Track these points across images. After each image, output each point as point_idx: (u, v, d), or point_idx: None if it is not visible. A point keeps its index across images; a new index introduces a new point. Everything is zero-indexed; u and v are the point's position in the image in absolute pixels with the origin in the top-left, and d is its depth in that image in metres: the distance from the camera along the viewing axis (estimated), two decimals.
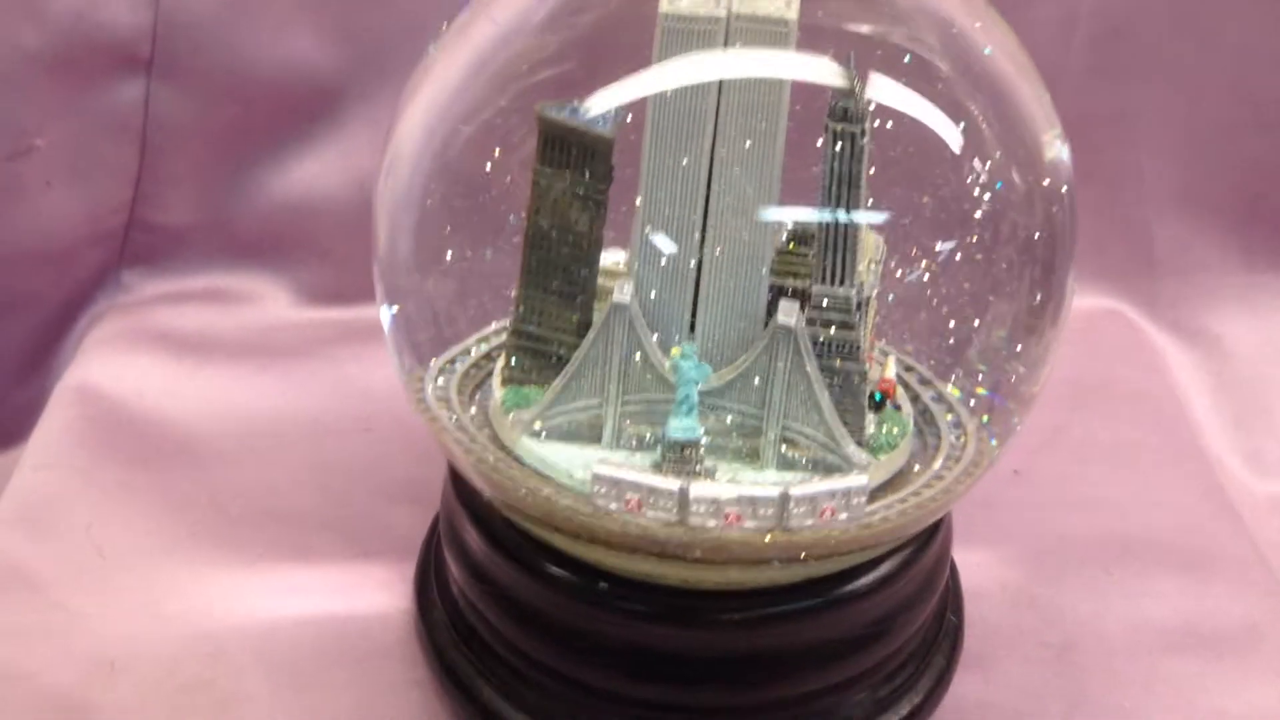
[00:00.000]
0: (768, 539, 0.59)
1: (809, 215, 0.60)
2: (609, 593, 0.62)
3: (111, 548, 0.77)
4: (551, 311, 0.63)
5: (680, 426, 0.60)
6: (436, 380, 0.69)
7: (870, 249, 0.66)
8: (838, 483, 0.59)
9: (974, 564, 0.78)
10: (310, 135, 0.97)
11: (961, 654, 0.72)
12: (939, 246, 0.63)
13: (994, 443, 0.67)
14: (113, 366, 0.92)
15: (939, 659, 0.70)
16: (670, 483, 0.59)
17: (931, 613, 0.70)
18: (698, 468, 0.60)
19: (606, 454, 0.63)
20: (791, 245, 0.64)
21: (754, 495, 0.58)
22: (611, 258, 0.66)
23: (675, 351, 0.60)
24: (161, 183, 0.97)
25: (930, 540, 0.67)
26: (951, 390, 0.70)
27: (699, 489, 0.58)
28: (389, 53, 0.93)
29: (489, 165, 0.64)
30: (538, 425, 0.63)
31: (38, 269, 0.95)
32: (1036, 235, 0.63)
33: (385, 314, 0.69)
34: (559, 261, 0.61)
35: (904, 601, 0.66)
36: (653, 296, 0.62)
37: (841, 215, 0.58)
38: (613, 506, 0.59)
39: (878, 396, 0.67)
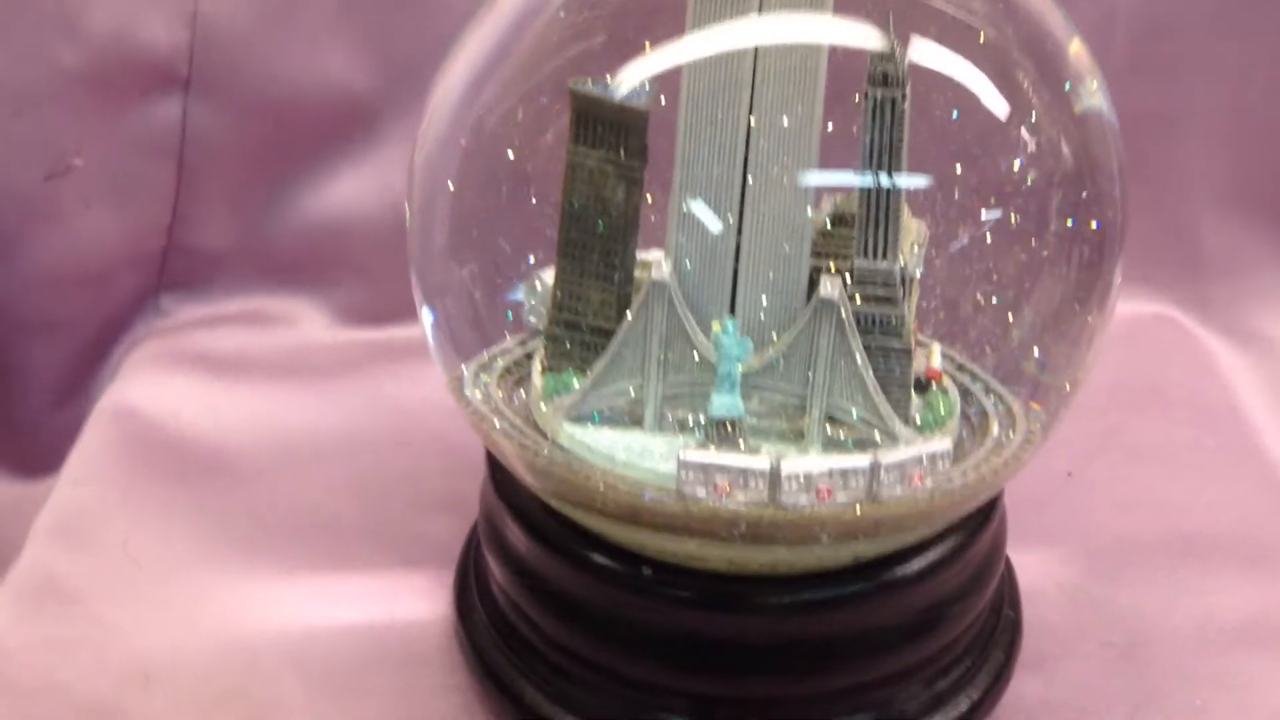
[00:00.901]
0: (859, 512, 0.57)
1: (848, 180, 0.58)
2: (653, 579, 0.60)
3: (148, 560, 0.77)
4: (589, 293, 0.62)
5: (722, 403, 0.59)
6: (479, 376, 0.68)
7: (913, 231, 0.64)
8: (924, 447, 0.58)
9: (1029, 565, 0.75)
10: (345, 154, 0.97)
11: (1020, 653, 0.70)
12: (984, 215, 0.61)
13: (1040, 422, 0.65)
14: (150, 387, 0.92)
15: (997, 654, 0.68)
16: (760, 461, 0.57)
17: (988, 605, 0.67)
18: (741, 446, 0.59)
19: (648, 438, 0.62)
20: (832, 226, 0.63)
21: (845, 467, 0.57)
22: (649, 256, 0.65)
23: (716, 327, 0.59)
24: (199, 203, 0.97)
25: (982, 527, 0.65)
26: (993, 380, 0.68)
27: (790, 464, 0.57)
28: (424, 70, 0.92)
29: (521, 147, 0.63)
30: (578, 411, 0.62)
31: (76, 292, 0.95)
32: (1085, 200, 0.62)
33: (425, 315, 0.69)
34: (595, 240, 0.60)
35: (958, 589, 0.64)
36: (691, 275, 0.60)
37: (883, 179, 0.57)
38: (700, 493, 0.57)
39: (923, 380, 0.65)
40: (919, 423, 0.62)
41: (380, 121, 0.96)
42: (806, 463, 0.57)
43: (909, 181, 0.58)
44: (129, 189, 0.94)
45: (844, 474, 0.57)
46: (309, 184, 0.98)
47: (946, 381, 0.67)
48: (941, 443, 0.59)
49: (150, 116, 0.94)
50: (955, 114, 0.59)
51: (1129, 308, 0.98)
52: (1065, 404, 0.66)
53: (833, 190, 0.61)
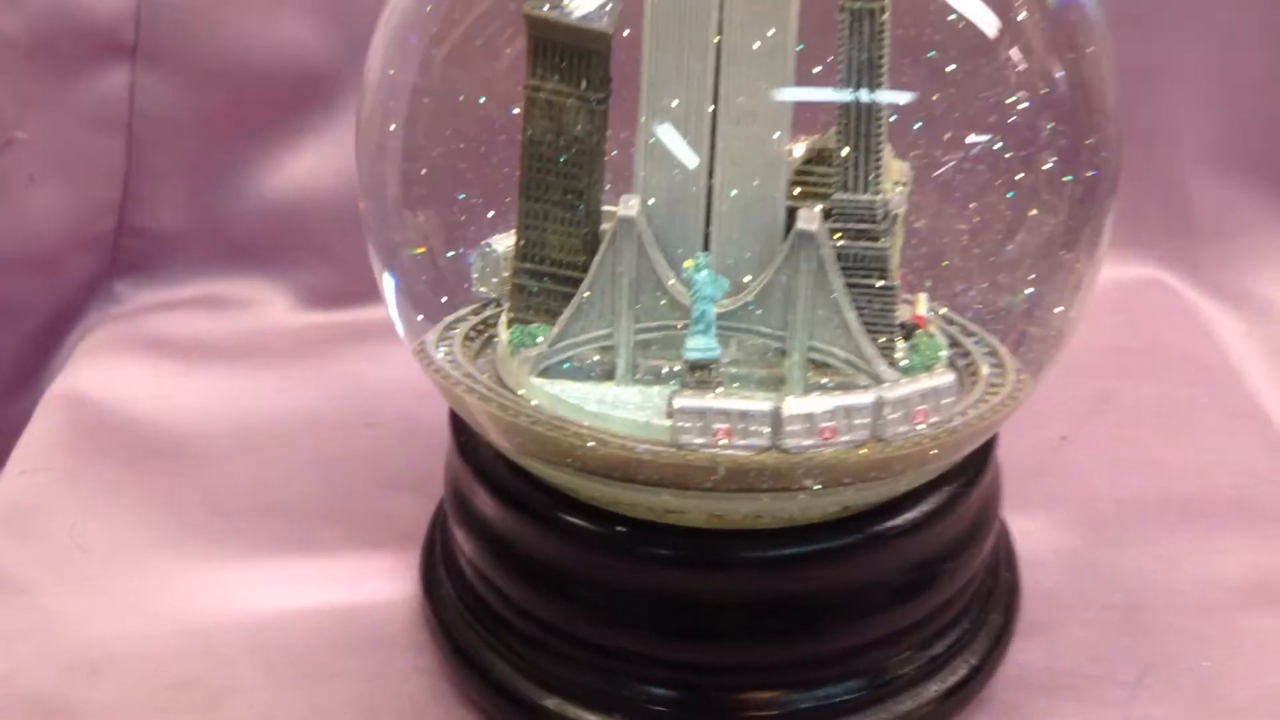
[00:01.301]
0: (864, 452, 0.54)
1: (826, 97, 0.55)
2: (627, 536, 0.56)
3: (96, 546, 0.74)
4: (552, 236, 0.58)
5: (697, 346, 0.55)
6: (444, 337, 0.64)
7: (895, 171, 0.61)
8: (926, 383, 0.56)
9: (1027, 531, 0.72)
10: (304, 127, 0.94)
11: (1020, 619, 0.66)
12: (970, 139, 0.58)
13: (1031, 367, 0.62)
14: (103, 374, 0.89)
15: (995, 617, 0.64)
16: (760, 403, 0.54)
17: (984, 564, 0.64)
18: (717, 390, 0.55)
19: (620, 389, 0.58)
20: (808, 164, 0.60)
21: (849, 404, 0.54)
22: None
23: (688, 265, 0.55)
24: (151, 180, 0.94)
25: (977, 478, 0.61)
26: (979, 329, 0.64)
27: (792, 405, 0.54)
28: None
29: (473, 81, 0.60)
30: (546, 363, 0.58)
31: (26, 276, 0.91)
32: (1077, 124, 0.58)
33: (386, 281, 0.65)
34: (556, 178, 0.57)
35: (952, 544, 0.60)
36: (661, 212, 0.57)
37: (863, 97, 0.53)
38: (697, 442, 0.54)
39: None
40: (906, 366, 0.59)
41: (341, 92, 0.93)
42: (809, 403, 0.54)
43: (890, 98, 0.54)
44: (76, 165, 0.91)
45: (848, 412, 0.54)
46: (267, 159, 0.95)
47: (932, 328, 0.64)
48: (944, 377, 0.56)
49: (96, 87, 0.91)
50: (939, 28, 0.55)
51: (1118, 271, 0.96)
52: (1056, 349, 0.62)
53: (810, 121, 0.58)
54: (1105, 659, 0.67)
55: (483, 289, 0.64)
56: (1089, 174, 0.62)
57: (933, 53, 0.57)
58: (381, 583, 0.71)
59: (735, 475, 0.54)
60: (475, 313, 0.66)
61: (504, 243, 0.63)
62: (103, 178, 0.93)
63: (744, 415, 0.54)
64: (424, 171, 0.62)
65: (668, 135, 0.56)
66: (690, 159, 0.56)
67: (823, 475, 0.55)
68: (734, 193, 0.57)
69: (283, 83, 0.93)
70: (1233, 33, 0.96)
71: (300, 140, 0.94)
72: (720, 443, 0.54)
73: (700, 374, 0.56)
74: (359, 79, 0.92)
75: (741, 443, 0.54)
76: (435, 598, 0.66)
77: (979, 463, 0.62)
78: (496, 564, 0.62)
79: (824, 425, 0.54)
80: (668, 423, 0.56)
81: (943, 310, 0.65)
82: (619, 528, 0.57)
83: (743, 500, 0.55)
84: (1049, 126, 0.60)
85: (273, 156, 0.95)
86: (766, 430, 0.54)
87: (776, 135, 0.56)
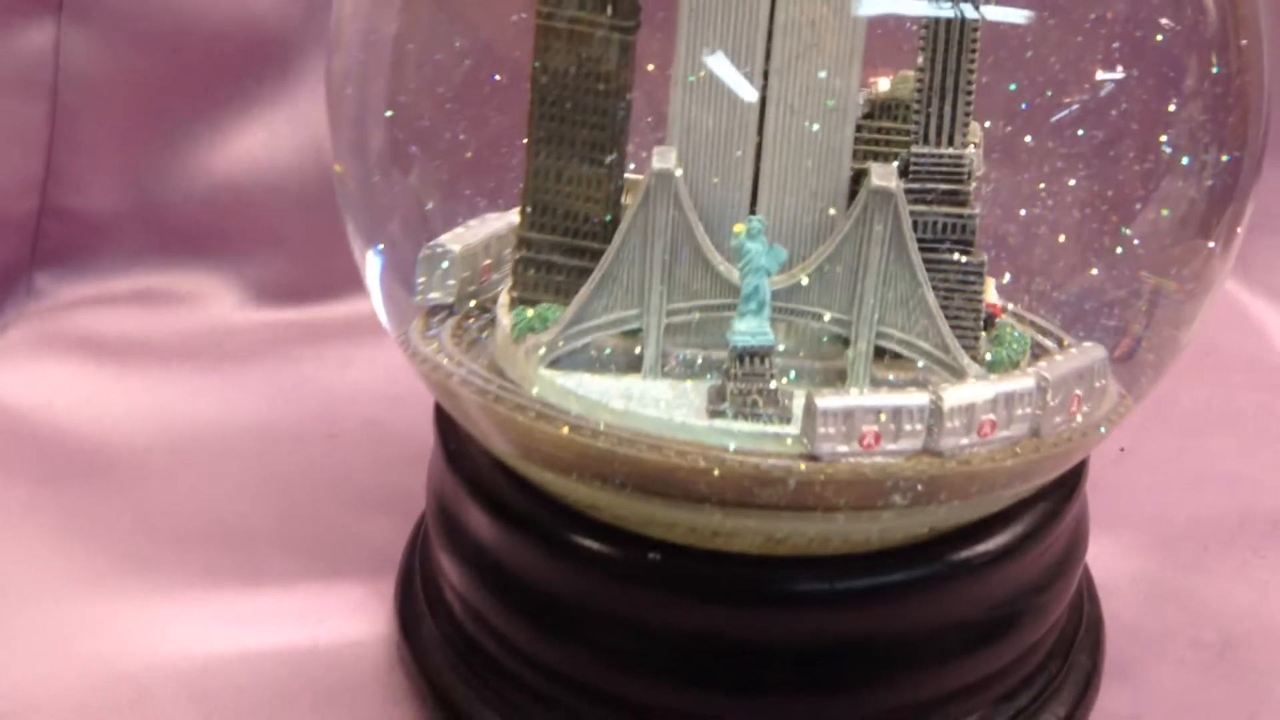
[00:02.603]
0: (1019, 451, 0.47)
1: (915, 7, 0.46)
2: (663, 565, 0.47)
3: (10, 581, 0.66)
4: (569, 199, 0.49)
5: (748, 330, 0.47)
6: (431, 323, 0.56)
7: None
8: (1081, 359, 0.49)
9: (1096, 557, 0.65)
10: (255, 95, 0.88)
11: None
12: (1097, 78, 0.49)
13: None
14: (20, 376, 0.81)
15: (1082, 659, 0.57)
16: (916, 397, 0.46)
17: (1071, 598, 0.55)
18: (771, 385, 0.46)
19: (647, 384, 0.49)
20: (874, 118, 0.51)
21: (1011, 390, 0.47)
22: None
23: (739, 229, 0.46)
24: (78, 154, 0.88)
25: (1072, 494, 0.52)
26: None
27: (953, 395, 0.46)
28: None
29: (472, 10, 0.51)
30: (559, 350, 0.50)
31: None
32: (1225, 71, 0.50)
33: (370, 261, 0.58)
34: (577, 124, 0.47)
35: (1042, 575, 0.53)
36: (702, 165, 0.48)
37: (965, 9, 0.44)
38: (841, 450, 0.46)
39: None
40: (990, 360, 0.50)
41: (297, 56, 0.87)
42: (969, 391, 0.47)
43: (993, 13, 0.45)
44: None
45: (1009, 400, 0.47)
46: (212, 132, 0.89)
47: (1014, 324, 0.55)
48: (1096, 350, 0.50)
49: (15, 45, 0.84)
50: None
51: None
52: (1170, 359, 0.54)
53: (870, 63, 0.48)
54: (1202, 706, 0.60)
55: (435, 295, 0.56)
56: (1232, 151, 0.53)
57: None
58: (348, 619, 0.64)
59: (857, 486, 0.46)
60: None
61: (460, 240, 0.55)
62: (21, 151, 0.87)
63: (898, 413, 0.46)
64: (419, 123, 0.54)
65: (713, 72, 0.47)
66: (743, 96, 0.47)
67: (978, 483, 0.47)
68: (790, 142, 0.48)
69: (230, 44, 0.87)
70: None
71: (251, 111, 0.89)
72: (869, 448, 0.46)
73: (751, 365, 0.46)
74: (318, 38, 0.85)
75: (892, 447, 0.46)
76: (414, 637, 0.59)
77: (1072, 477, 0.53)
78: (492, 597, 0.54)
79: (984, 418, 0.46)
80: (705, 423, 0.47)
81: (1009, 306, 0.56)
82: (652, 554, 0.48)
83: (813, 520, 0.45)
84: (1190, 74, 0.51)
85: (219, 129, 0.89)
86: (921, 429, 0.46)
87: (844, 71, 0.47)
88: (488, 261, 0.57)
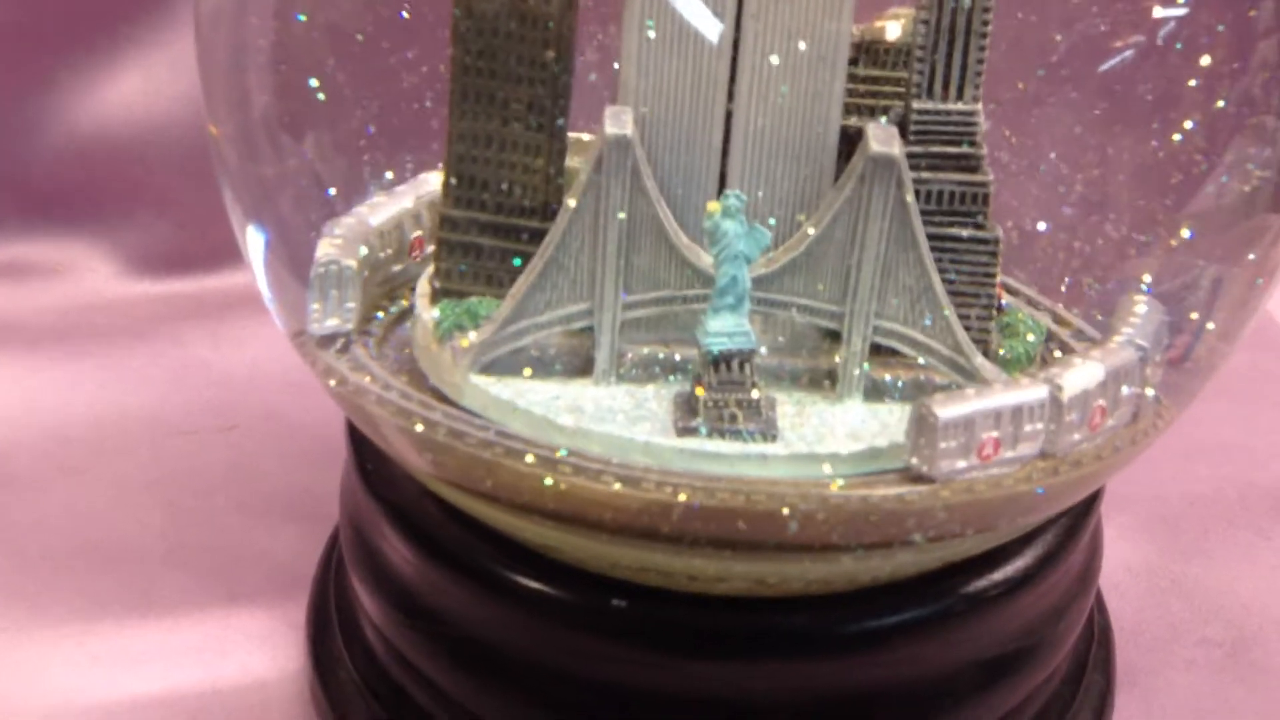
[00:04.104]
0: (1119, 445, 0.43)
1: None
2: (629, 612, 0.40)
3: None
4: (501, 169, 0.40)
5: (723, 330, 0.39)
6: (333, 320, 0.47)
7: None
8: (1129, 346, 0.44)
9: None
10: (130, 39, 0.82)
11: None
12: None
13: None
14: None
15: (1096, 678, 0.52)
16: (1035, 390, 0.40)
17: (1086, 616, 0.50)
18: (753, 395, 0.39)
19: (602, 390, 0.42)
20: (860, 66, 0.44)
21: (1118, 366, 0.42)
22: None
23: (713, 207, 0.39)
24: None
25: (1088, 511, 0.47)
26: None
27: (1071, 380, 0.40)
28: None
29: None
30: (493, 352, 0.42)
31: None
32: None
33: (252, 236, 0.50)
34: (512, 80, 0.39)
35: (1060, 601, 0.47)
36: (662, 128, 0.41)
37: None
38: (960, 466, 0.39)
39: None
40: (1003, 356, 0.44)
41: None
42: (1083, 374, 0.41)
43: None
44: None
45: (1116, 380, 0.41)
46: (78, 81, 0.82)
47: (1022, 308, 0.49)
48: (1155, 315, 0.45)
49: None
50: None
51: None
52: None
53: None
54: (1216, 714, 0.55)
55: (332, 322, 0.46)
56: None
57: None
58: (252, 654, 0.58)
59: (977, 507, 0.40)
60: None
61: (377, 214, 0.47)
62: None
63: (1017, 413, 0.40)
64: (314, 74, 0.45)
65: (676, 11, 0.39)
66: (709, 35, 0.40)
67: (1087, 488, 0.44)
68: (765, 104, 0.41)
69: None
70: None
71: (123, 53, 0.82)
72: (987, 459, 0.40)
73: (728, 371, 0.39)
74: None
75: (1010, 454, 0.40)
76: (329, 677, 0.53)
77: (1087, 498, 0.48)
78: (419, 639, 0.48)
79: (1098, 404, 0.41)
80: (677, 442, 0.40)
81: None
82: (615, 600, 0.40)
83: (817, 562, 0.38)
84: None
85: (85, 77, 0.82)
86: (1041, 429, 0.40)
87: (834, 11, 0.39)
88: (418, 233, 0.48)
